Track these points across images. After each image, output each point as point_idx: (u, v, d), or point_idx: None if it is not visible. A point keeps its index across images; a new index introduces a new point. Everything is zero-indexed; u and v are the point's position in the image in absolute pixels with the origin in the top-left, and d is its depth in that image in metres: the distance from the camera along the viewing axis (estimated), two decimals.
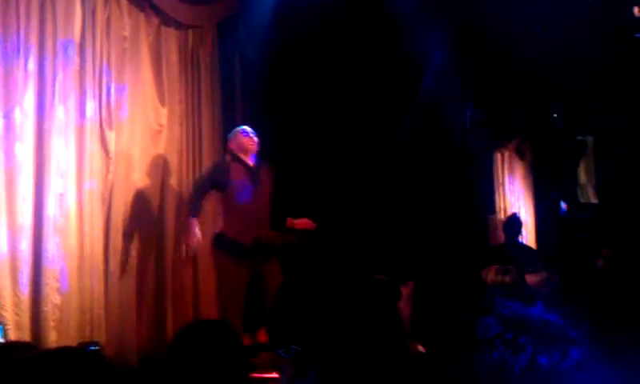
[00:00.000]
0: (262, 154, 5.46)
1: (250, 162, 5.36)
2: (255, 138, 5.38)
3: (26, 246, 4.80)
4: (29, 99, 4.85)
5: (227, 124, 6.38)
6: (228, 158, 5.40)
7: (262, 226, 5.31)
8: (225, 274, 5.32)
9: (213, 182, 5.38)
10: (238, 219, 5.25)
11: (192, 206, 5.41)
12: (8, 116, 4.75)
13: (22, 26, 4.83)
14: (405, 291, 2.62)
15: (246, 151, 5.36)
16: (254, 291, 5.35)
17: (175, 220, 5.87)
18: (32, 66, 4.88)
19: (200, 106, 6.23)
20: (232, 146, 5.41)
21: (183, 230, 5.56)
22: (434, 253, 6.94)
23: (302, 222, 5.40)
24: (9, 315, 4.63)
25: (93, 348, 4.38)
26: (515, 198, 10.22)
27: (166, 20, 5.91)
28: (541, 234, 9.96)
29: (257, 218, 5.27)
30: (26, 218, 4.80)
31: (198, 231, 5.33)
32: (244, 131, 5.40)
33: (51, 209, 4.93)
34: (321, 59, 6.89)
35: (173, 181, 5.93)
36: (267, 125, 5.90)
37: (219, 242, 5.33)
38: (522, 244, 7.51)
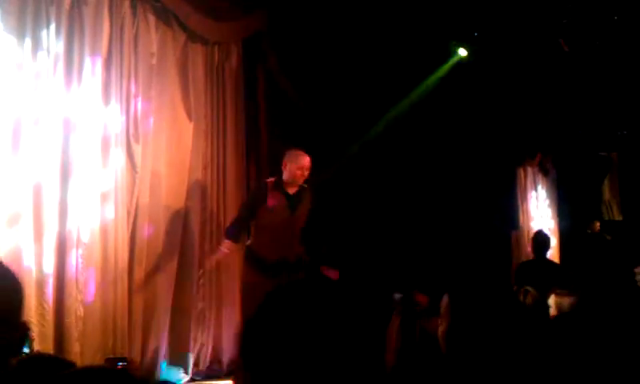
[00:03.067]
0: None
1: (291, 190, 5.31)
2: (307, 172, 5.28)
3: (50, 257, 4.83)
4: (57, 113, 4.90)
5: (251, 139, 6.43)
6: (269, 183, 5.36)
7: (291, 249, 5.33)
8: (247, 286, 5.34)
9: (251, 208, 5.36)
10: (267, 239, 5.26)
11: (228, 228, 5.48)
12: (36, 127, 4.80)
13: (52, 41, 4.87)
14: (441, 305, 2.60)
15: (293, 180, 5.28)
16: None
17: (199, 234, 5.92)
18: (60, 79, 4.92)
19: (225, 121, 6.27)
20: (285, 164, 5.29)
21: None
22: (462, 268, 6.96)
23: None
24: (34, 326, 4.65)
25: (120, 364, 4.39)
26: (539, 213, 10.15)
27: (192, 36, 5.96)
28: (565, 250, 9.89)
29: (287, 243, 5.29)
30: (51, 229, 4.84)
31: (223, 251, 5.35)
32: (301, 165, 5.25)
33: (76, 221, 4.96)
34: (346, 77, 6.93)
35: (198, 195, 5.96)
36: (291, 142, 5.91)
37: (247, 254, 5.38)
38: (550, 261, 7.39)
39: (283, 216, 5.26)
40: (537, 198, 10.25)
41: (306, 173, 5.28)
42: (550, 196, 10.38)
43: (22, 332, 1.59)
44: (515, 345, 2.23)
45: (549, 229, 9.77)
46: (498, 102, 8.20)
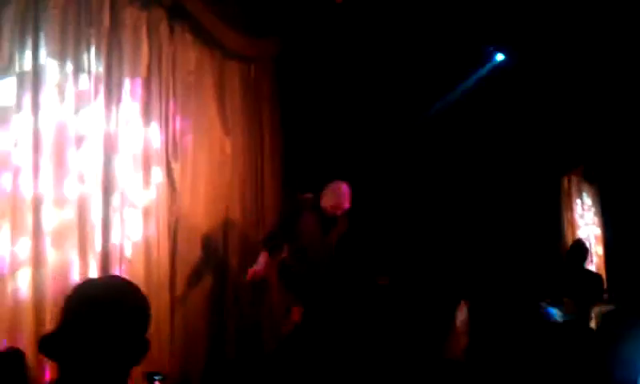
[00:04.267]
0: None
1: (327, 214, 5.32)
2: (341, 214, 5.30)
3: (95, 272, 4.92)
4: (98, 132, 5.02)
5: (288, 154, 6.48)
6: (304, 200, 5.35)
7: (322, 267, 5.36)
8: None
9: (286, 223, 5.32)
10: (299, 256, 5.30)
11: (264, 240, 5.40)
12: (79, 147, 4.92)
13: (92, 63, 4.97)
14: (458, 320, 2.60)
15: (328, 212, 5.30)
16: None
17: (239, 249, 5.98)
18: (101, 100, 5.01)
19: (262, 137, 6.35)
20: (324, 196, 5.30)
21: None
22: (499, 277, 6.90)
23: None
24: None
25: (157, 378, 4.43)
26: (583, 222, 9.98)
27: (228, 54, 6.06)
28: (611, 260, 9.67)
29: (319, 262, 5.31)
30: (95, 245, 4.95)
31: (261, 263, 5.23)
32: (338, 207, 5.27)
33: (118, 237, 5.06)
34: (384, 81, 6.93)
35: (236, 210, 6.04)
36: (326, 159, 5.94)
37: (280, 269, 5.43)
38: (588, 271, 7.14)
39: (315, 236, 5.28)
40: (582, 206, 10.08)
41: (344, 208, 5.29)
42: (595, 204, 10.19)
43: (144, 347, 1.74)
44: (540, 357, 2.22)
45: (595, 236, 9.60)
46: (542, 110, 8.11)
